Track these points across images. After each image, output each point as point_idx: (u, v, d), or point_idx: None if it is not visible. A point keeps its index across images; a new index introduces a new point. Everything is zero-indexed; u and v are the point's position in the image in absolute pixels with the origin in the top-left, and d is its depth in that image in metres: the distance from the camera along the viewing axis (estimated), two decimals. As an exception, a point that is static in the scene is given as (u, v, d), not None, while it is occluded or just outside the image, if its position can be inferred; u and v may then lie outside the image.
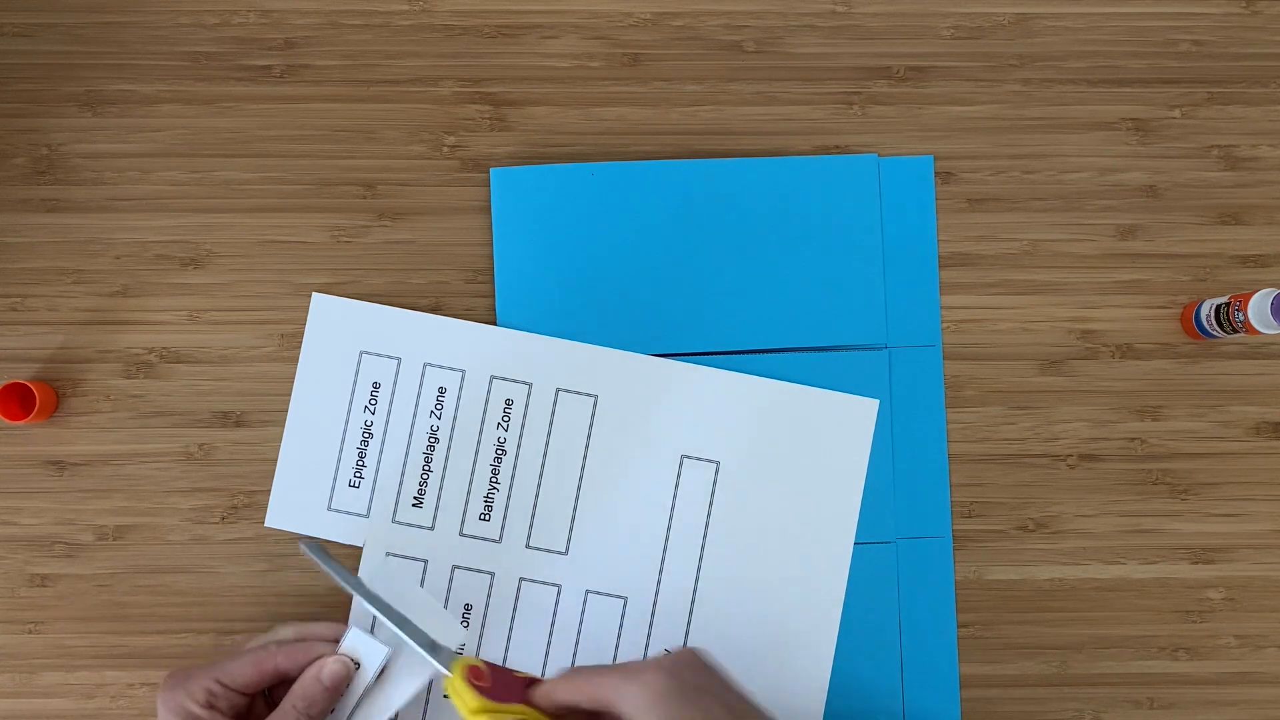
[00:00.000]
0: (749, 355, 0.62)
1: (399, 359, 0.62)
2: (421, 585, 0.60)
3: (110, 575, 0.62)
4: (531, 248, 0.63)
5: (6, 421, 0.60)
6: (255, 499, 0.62)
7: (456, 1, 0.65)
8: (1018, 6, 0.65)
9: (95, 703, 0.62)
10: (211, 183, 0.64)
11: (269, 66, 0.64)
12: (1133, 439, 0.64)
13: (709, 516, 0.61)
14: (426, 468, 0.61)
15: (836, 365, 0.63)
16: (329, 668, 0.53)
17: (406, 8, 0.65)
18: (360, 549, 0.61)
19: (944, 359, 0.64)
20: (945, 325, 0.64)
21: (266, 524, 0.61)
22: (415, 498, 0.61)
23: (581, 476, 0.61)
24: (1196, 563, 0.64)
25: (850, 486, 0.61)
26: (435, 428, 0.61)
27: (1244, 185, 0.65)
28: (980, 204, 0.65)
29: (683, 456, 0.61)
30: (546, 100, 0.65)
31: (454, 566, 0.60)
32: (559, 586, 0.60)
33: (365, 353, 0.62)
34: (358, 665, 0.54)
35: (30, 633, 0.62)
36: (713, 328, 0.62)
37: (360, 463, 0.61)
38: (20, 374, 0.62)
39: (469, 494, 0.61)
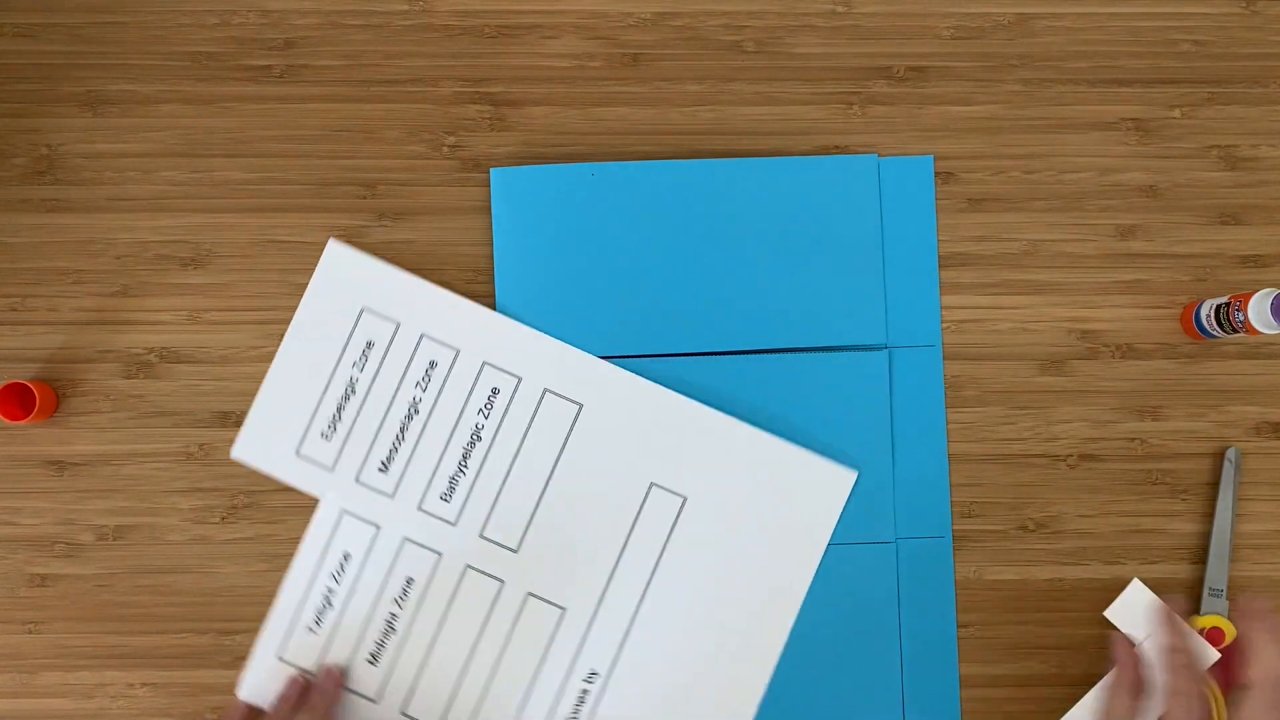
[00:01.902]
0: (749, 355, 0.62)
1: (397, 324, 0.62)
2: (369, 553, 0.60)
3: (110, 575, 0.62)
4: (531, 247, 0.63)
5: (6, 421, 0.60)
6: (255, 499, 0.62)
7: (456, 1, 0.65)
8: (1018, 6, 0.66)
9: (95, 703, 0.62)
10: (211, 183, 0.64)
11: (269, 66, 0.64)
12: (1133, 439, 0.64)
13: (664, 548, 0.60)
14: (400, 436, 0.61)
15: (836, 365, 0.63)
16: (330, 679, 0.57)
17: (406, 8, 0.65)
18: (318, 500, 0.61)
19: (944, 359, 0.64)
20: (945, 325, 0.64)
21: (232, 454, 0.61)
22: (382, 463, 0.61)
23: (549, 480, 0.61)
24: (1196, 562, 0.64)
25: (810, 551, 0.60)
26: (418, 399, 0.61)
27: (1244, 185, 0.65)
28: (980, 204, 0.65)
29: (652, 484, 0.61)
30: (546, 100, 0.65)
31: (405, 539, 0.60)
32: (502, 583, 0.60)
33: (367, 310, 0.62)
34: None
35: (30, 633, 0.62)
36: (713, 327, 0.62)
37: (337, 416, 0.61)
38: (20, 374, 0.62)
39: (436, 471, 0.61)
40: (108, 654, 0.62)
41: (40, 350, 0.63)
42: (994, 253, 0.65)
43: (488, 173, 0.64)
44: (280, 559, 0.62)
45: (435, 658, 0.60)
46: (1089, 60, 0.65)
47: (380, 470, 0.61)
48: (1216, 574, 0.62)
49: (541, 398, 0.61)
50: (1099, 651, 0.63)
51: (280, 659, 0.60)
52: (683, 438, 0.61)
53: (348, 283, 0.62)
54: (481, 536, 0.60)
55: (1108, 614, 0.61)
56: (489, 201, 0.64)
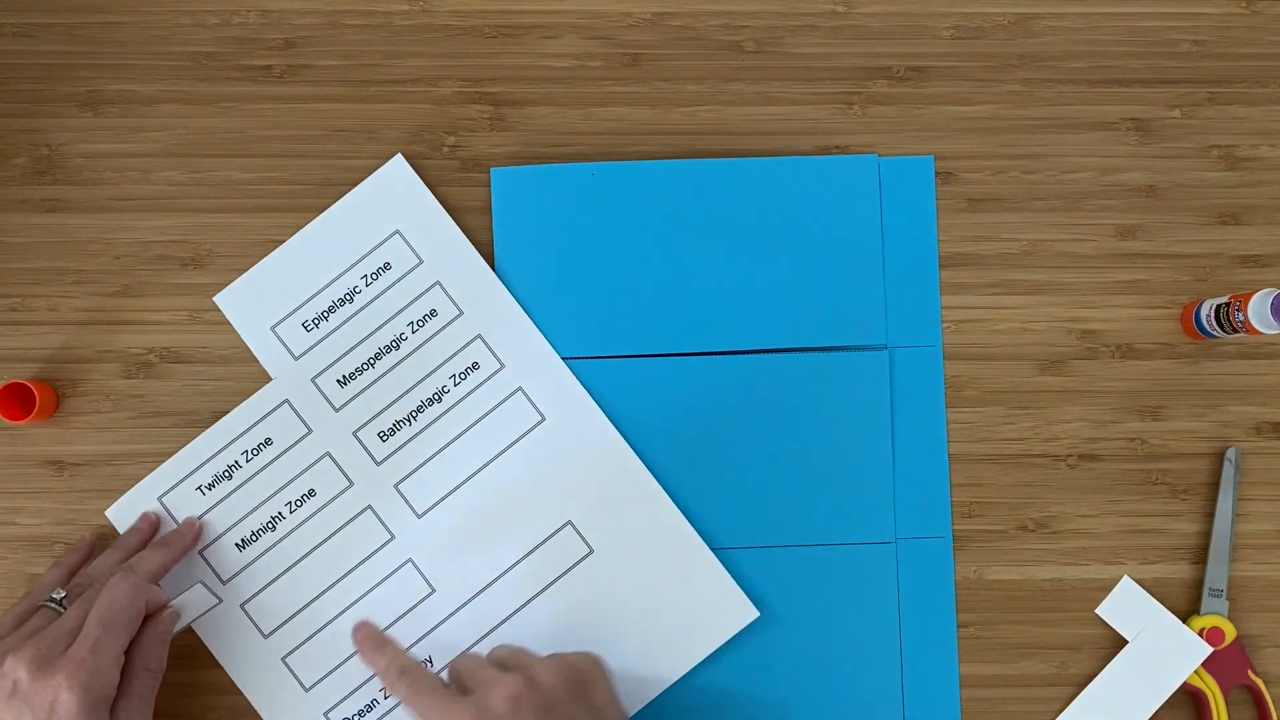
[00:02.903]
0: (749, 355, 0.62)
1: (421, 261, 0.62)
2: (289, 450, 0.61)
3: (110, 575, 0.62)
4: (532, 248, 0.63)
5: (6, 421, 0.60)
6: (255, 499, 0.62)
7: (456, 1, 0.65)
8: (1018, 6, 0.66)
9: (95, 703, 0.62)
10: (211, 183, 0.64)
11: (269, 66, 0.64)
12: (1133, 439, 0.64)
13: (550, 585, 0.60)
14: (371, 363, 0.61)
15: (836, 365, 0.63)
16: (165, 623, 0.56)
17: (406, 8, 0.65)
18: (269, 378, 0.62)
19: (944, 359, 0.64)
20: (945, 325, 0.64)
21: (215, 298, 0.62)
22: (343, 377, 0.61)
23: (480, 469, 0.61)
24: (1196, 562, 0.64)
25: (678, 662, 0.60)
26: (404, 337, 0.61)
27: (1244, 185, 0.65)
28: (980, 204, 0.65)
29: (569, 522, 0.61)
30: (546, 100, 0.65)
31: (328, 454, 0.61)
32: (392, 538, 0.60)
33: (400, 234, 0.62)
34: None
35: (30, 633, 0.62)
36: (712, 327, 0.62)
37: (325, 315, 0.62)
38: (20, 374, 0.62)
39: (386, 410, 0.61)
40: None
41: (40, 350, 0.63)
42: (994, 253, 0.65)
43: (488, 173, 0.64)
44: (280, 559, 0.62)
45: (298, 572, 0.60)
46: (1089, 60, 0.65)
47: (339, 383, 0.61)
48: (1216, 574, 0.63)
49: (513, 394, 0.61)
50: (1099, 651, 0.63)
51: (159, 500, 0.61)
52: (619, 498, 0.61)
53: (396, 201, 0.62)
54: (396, 488, 0.61)
55: (1099, 611, 0.61)
56: (489, 201, 0.64)
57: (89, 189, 0.63)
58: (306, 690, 0.60)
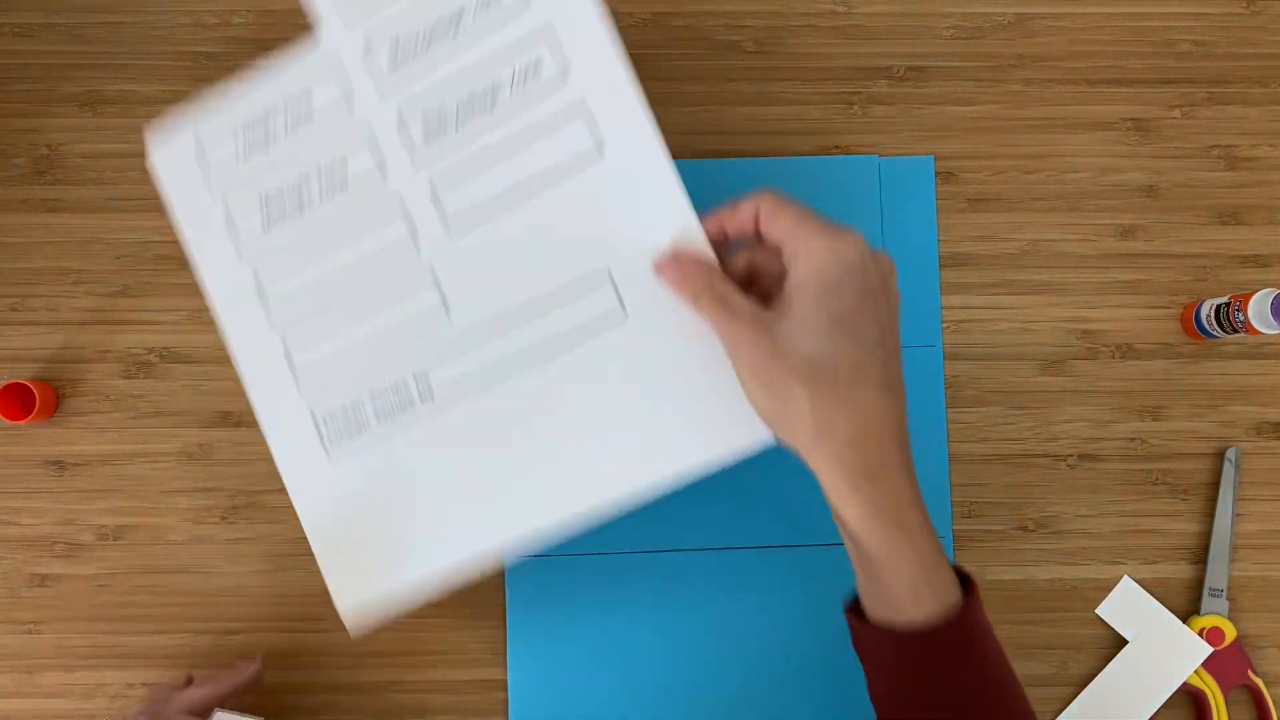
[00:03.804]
0: (749, 355, 0.62)
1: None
2: (326, 112, 0.55)
3: (110, 575, 0.62)
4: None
5: (6, 421, 0.60)
6: (255, 499, 0.62)
7: (456, 1, 0.65)
8: (1018, 6, 0.65)
9: (95, 703, 0.62)
10: (211, 183, 0.64)
11: (269, 66, 0.64)
12: (1133, 439, 0.64)
13: (567, 346, 0.52)
14: (452, 29, 0.53)
15: (836, 365, 0.62)
16: None
17: (406, 8, 0.65)
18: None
19: (944, 359, 0.64)
20: (945, 325, 0.64)
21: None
22: (413, 41, 0.54)
23: (520, 202, 0.53)
24: (1196, 563, 0.64)
25: (673, 467, 0.52)
26: (463, 13, 0.54)
27: (1244, 185, 0.65)
28: (980, 204, 0.65)
29: (611, 272, 0.52)
30: (546, 100, 0.64)
31: (368, 123, 0.54)
32: (415, 230, 0.54)
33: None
34: None
35: (30, 633, 0.62)
36: (713, 328, 0.62)
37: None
38: (20, 374, 0.62)
39: (434, 93, 0.54)
40: (108, 654, 0.62)
41: (40, 350, 0.63)
42: (994, 253, 0.65)
43: (488, 173, 0.64)
44: (280, 559, 0.62)
45: (314, 250, 0.55)
46: (1089, 60, 0.65)
47: (404, 47, 0.54)
48: (1216, 574, 0.63)
49: (574, 114, 0.53)
50: (1099, 651, 0.63)
51: (195, 135, 0.56)
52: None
53: None
54: (430, 182, 0.54)
55: (1099, 611, 0.61)
56: (489, 201, 0.64)
57: (89, 189, 0.63)
58: (301, 394, 0.55)
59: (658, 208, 0.52)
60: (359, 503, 0.55)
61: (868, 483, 0.47)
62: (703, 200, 0.63)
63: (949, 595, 0.48)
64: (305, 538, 0.62)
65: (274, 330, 0.55)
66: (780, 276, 0.48)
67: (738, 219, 0.50)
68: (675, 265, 0.50)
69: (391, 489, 0.54)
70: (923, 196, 0.64)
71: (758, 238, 0.50)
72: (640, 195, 0.52)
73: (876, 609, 0.49)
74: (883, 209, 0.64)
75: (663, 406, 0.52)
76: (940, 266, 0.64)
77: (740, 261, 0.50)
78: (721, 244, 0.51)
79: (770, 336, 0.47)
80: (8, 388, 0.61)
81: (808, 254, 0.47)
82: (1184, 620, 0.62)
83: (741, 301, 0.48)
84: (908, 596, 0.47)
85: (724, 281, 0.49)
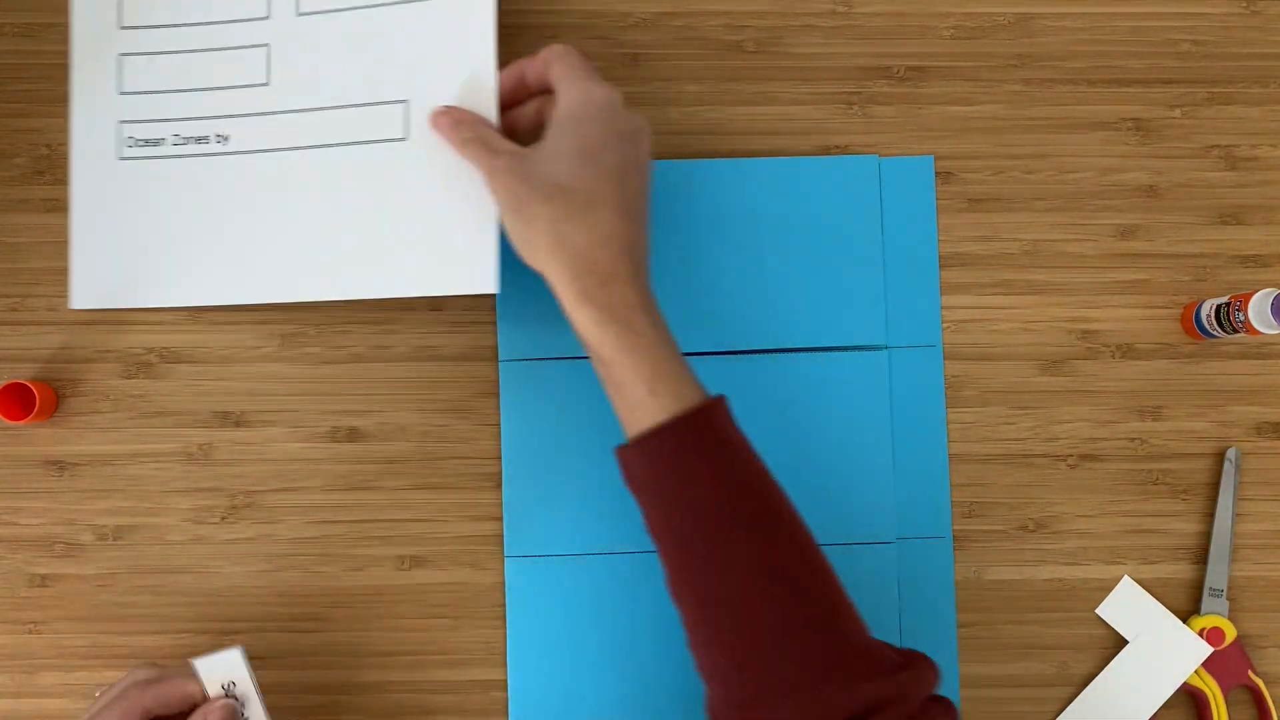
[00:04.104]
0: (749, 355, 0.62)
1: None
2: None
3: (110, 575, 0.62)
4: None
5: (6, 421, 0.60)
6: (255, 499, 0.62)
7: (456, 1, 0.65)
8: (1018, 6, 0.65)
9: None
10: (211, 183, 0.64)
11: (269, 66, 0.64)
12: (1133, 439, 0.64)
13: (351, 145, 0.59)
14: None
15: (836, 365, 0.63)
16: (216, 714, 0.53)
17: (406, 8, 0.65)
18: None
19: (944, 359, 0.64)
20: (945, 325, 0.64)
21: None
22: None
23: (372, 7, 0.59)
24: (1196, 563, 0.64)
25: (404, 284, 0.58)
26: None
27: (1244, 185, 0.65)
28: (980, 204, 0.65)
29: (406, 103, 0.59)
30: (546, 100, 0.64)
31: None
32: (266, 17, 0.60)
33: None
34: (241, 706, 0.54)
35: (30, 633, 0.62)
36: (713, 327, 0.62)
37: None
38: (20, 374, 0.62)
39: None
40: (108, 654, 0.62)
41: (40, 350, 0.63)
42: (994, 253, 0.65)
43: (488, 173, 0.64)
44: (280, 559, 0.62)
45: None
46: (1089, 60, 0.65)
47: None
48: (1216, 574, 0.63)
49: None
50: (1099, 651, 0.63)
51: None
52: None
53: None
54: (299, 14, 0.60)
55: (1099, 611, 0.61)
56: (489, 201, 0.64)
57: (89, 189, 0.63)
58: (120, 94, 0.60)
59: (469, 56, 0.58)
60: (129, 207, 0.60)
61: (599, 288, 0.51)
62: (700, 200, 0.63)
63: (690, 398, 0.52)
64: (305, 538, 0.62)
65: (119, 29, 0.60)
66: None
67: (534, 67, 0.56)
68: (447, 115, 0.57)
69: (160, 212, 0.60)
70: (923, 196, 0.64)
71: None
72: (460, 40, 0.58)
73: (628, 424, 0.52)
74: (883, 209, 0.64)
75: (419, 227, 0.58)
76: (940, 266, 0.64)
77: (531, 108, 0.58)
78: (523, 91, 0.57)
79: (523, 165, 0.53)
80: (8, 388, 0.60)
81: (567, 95, 0.54)
82: (1184, 620, 0.62)
83: (504, 142, 0.55)
84: (646, 395, 0.51)
85: (490, 129, 0.56)
